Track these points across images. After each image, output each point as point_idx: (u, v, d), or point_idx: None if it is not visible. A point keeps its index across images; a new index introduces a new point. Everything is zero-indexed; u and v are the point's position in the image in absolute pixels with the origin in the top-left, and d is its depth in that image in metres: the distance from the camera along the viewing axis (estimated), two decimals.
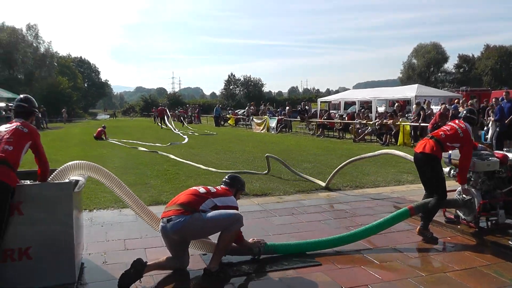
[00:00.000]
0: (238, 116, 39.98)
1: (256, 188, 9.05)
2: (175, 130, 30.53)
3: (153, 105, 71.37)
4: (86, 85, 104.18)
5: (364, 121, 21.86)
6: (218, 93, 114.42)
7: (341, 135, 22.92)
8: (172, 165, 12.49)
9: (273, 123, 28.49)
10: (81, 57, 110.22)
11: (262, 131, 29.14)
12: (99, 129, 24.04)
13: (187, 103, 78.40)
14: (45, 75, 66.93)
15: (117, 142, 21.38)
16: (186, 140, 22.51)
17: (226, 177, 5.28)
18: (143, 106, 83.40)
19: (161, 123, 38.28)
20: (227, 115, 41.82)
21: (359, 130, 21.36)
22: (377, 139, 20.09)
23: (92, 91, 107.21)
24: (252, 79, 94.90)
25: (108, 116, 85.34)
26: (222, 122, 39.76)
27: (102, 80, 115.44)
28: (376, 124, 20.45)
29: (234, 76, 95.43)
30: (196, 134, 27.78)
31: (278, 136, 25.36)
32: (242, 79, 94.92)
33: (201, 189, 4.84)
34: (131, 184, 9.21)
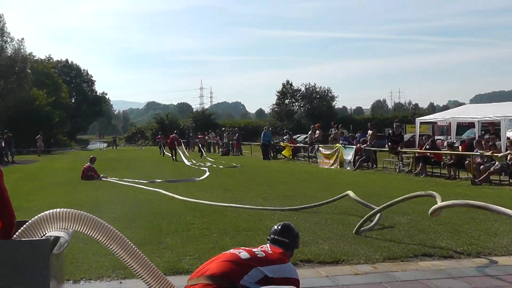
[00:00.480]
0: (297, 145, 40.03)
1: (324, 252, 8.90)
2: (188, 162, 33.04)
3: (172, 127, 72.55)
4: (74, 101, 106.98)
5: (489, 153, 21.37)
6: (267, 110, 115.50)
7: (452, 173, 22.46)
8: (198, 216, 12.53)
9: (349, 154, 28.36)
10: (67, 61, 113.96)
11: (332, 167, 29.04)
12: (85, 166, 23.93)
13: (222, 124, 79.18)
14: (13, 87, 68.30)
15: (117, 182, 21.73)
16: (207, 174, 23.75)
17: (277, 228, 5.22)
18: (157, 130, 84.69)
19: (174, 155, 39.24)
20: (281, 143, 41.96)
21: (481, 167, 20.86)
22: (510, 180, 19.53)
23: (82, 109, 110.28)
24: (317, 89, 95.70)
25: (105, 144, 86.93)
26: (274, 153, 39.84)
27: (98, 93, 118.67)
28: (509, 157, 19.93)
29: (291, 85, 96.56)
30: (220, 166, 29.70)
31: (357, 174, 25.21)
32: (303, 89, 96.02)
33: (243, 254, 4.76)
34: (139, 243, 9.24)
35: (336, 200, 13.11)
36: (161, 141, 50.47)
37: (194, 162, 33.15)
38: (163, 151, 47.94)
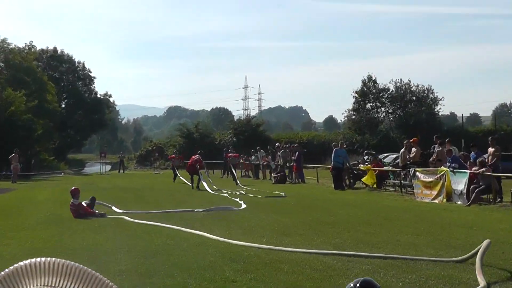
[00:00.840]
0: (384, 168, 39.67)
1: None
2: (211, 191, 34.97)
3: (205, 143, 72.86)
4: (64, 106, 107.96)
5: None
6: (340, 118, 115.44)
7: None
8: (241, 270, 12.46)
9: (460, 182, 28.05)
10: (55, 50, 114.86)
11: (436, 200, 28.70)
12: (70, 205, 23.56)
13: (275, 139, 79.19)
14: None
15: (126, 219, 21.87)
16: (243, 206, 24.86)
17: (354, 287, 5.19)
18: (182, 146, 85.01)
19: (196, 182, 40.38)
20: (360, 166, 41.63)
21: None
22: None
23: (77, 118, 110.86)
24: (413, 88, 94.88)
25: (109, 167, 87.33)
26: (350, 181, 39.62)
27: (99, 95, 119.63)
28: None
29: (374, 82, 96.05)
30: (259, 196, 30.73)
31: (473, 211, 24.90)
32: (391, 88, 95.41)
33: None
34: None
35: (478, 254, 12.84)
36: (175, 162, 50.81)
37: (226, 191, 33.63)
38: (176, 175, 48.32)
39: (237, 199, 28.63)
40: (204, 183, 37.58)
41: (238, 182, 43.06)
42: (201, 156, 42.44)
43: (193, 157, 42.11)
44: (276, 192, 33.70)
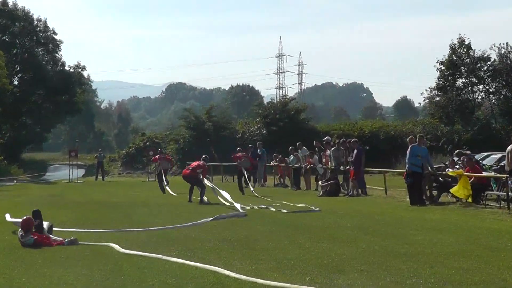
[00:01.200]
0: (483, 174, 39.42)
1: None
2: (226, 201, 35.89)
3: (221, 136, 73.13)
4: (17, 83, 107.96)
5: None
6: (418, 101, 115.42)
7: None
8: None
9: None
10: (4, 2, 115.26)
11: None
12: (23, 244, 22.97)
13: (323, 131, 79.18)
14: None
15: (113, 247, 21.86)
16: (239, 210, 27.21)
17: None
18: (189, 141, 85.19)
19: (191, 194, 41.31)
20: (448, 170, 41.37)
21: None
22: None
23: (36, 99, 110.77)
24: None
25: (82, 171, 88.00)
26: (432, 192, 39.47)
27: (68, 68, 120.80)
28: None
29: (468, 48, 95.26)
30: (284, 211, 31.45)
31: None
32: (493, 56, 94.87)
33: None
34: None
35: None
36: (163, 165, 51.14)
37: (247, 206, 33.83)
38: (162, 182, 48.87)
39: (241, 209, 29.33)
40: (209, 184, 37.65)
41: (252, 188, 43.54)
42: (206, 161, 42.98)
43: (196, 163, 42.16)
44: (306, 205, 33.87)
